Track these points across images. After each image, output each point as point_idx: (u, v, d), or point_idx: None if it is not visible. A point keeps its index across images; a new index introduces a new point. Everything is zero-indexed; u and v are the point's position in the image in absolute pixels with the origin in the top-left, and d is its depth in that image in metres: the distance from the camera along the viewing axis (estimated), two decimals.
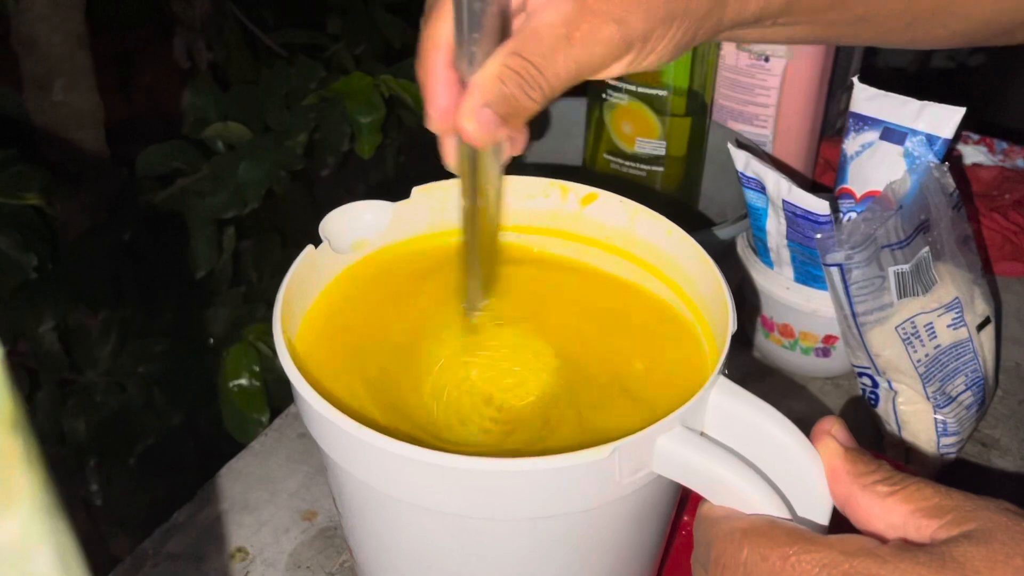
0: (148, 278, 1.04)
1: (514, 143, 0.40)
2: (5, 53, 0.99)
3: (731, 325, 0.34)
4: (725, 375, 0.33)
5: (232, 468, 0.54)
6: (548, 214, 0.42)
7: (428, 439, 0.34)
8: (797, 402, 0.58)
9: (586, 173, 0.63)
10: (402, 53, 1.07)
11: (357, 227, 0.41)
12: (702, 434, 0.32)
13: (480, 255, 0.38)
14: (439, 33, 0.34)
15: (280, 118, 0.83)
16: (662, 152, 0.61)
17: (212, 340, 0.93)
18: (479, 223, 0.37)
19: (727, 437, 0.32)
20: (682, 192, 0.63)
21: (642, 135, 0.60)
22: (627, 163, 0.62)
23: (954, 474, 0.53)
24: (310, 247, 0.38)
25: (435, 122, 0.35)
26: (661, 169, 0.61)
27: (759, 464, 0.31)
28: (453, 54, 0.34)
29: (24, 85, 1.01)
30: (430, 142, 0.37)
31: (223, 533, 0.50)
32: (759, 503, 0.30)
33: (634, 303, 0.40)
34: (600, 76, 0.36)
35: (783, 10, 0.38)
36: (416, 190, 0.41)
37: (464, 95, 0.33)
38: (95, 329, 1.00)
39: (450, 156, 0.37)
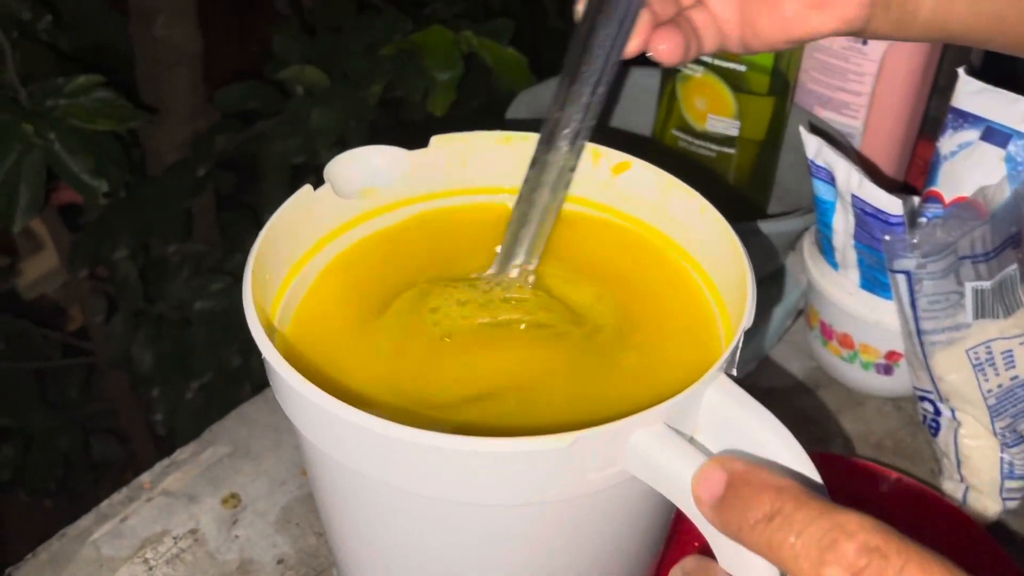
0: (225, 217, 1.05)
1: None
2: None
3: (746, 320, 0.30)
4: (732, 376, 0.29)
5: (242, 412, 0.52)
6: (577, 179, 0.38)
7: (409, 405, 0.32)
8: (850, 422, 0.53)
9: (656, 146, 0.59)
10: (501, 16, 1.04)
11: (367, 173, 0.38)
12: (692, 439, 0.28)
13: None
14: None
15: (358, 67, 0.81)
16: (735, 132, 0.56)
17: None
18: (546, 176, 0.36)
19: (721, 447, 0.28)
20: (755, 179, 0.58)
21: (715, 112, 0.55)
22: (696, 141, 0.57)
23: (1010, 527, 0.47)
24: (307, 187, 0.35)
25: None
26: (733, 151, 0.57)
27: None
28: None
29: (130, 17, 1.02)
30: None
31: (220, 476, 0.49)
32: None
33: (658, 283, 0.36)
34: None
35: None
36: (435, 139, 0.38)
37: None
38: (172, 262, 1.01)
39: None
